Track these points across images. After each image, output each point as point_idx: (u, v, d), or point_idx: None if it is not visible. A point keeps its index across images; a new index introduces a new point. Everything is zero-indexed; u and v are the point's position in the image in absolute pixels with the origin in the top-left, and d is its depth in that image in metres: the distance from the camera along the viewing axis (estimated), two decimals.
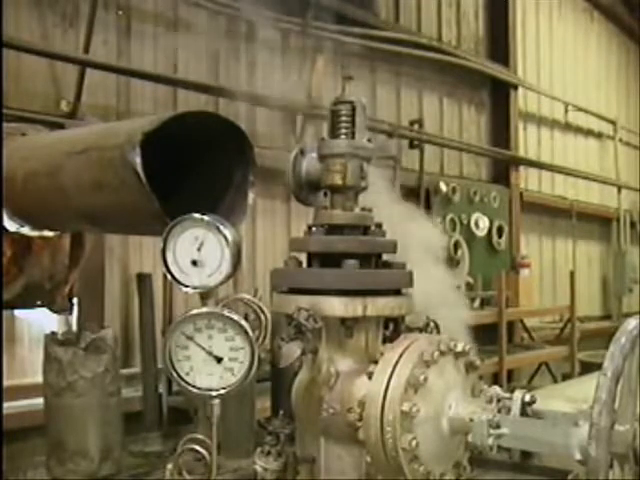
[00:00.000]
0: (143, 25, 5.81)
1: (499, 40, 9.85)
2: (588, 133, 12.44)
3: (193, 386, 1.79)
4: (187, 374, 1.79)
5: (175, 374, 1.78)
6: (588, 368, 7.90)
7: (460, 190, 8.62)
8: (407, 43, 8.02)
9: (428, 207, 8.06)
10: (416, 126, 8.33)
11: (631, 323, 1.62)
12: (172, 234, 1.82)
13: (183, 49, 6.10)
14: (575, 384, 6.49)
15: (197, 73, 6.14)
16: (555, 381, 9.04)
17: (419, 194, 8.02)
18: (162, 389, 5.40)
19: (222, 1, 6.12)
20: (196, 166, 2.49)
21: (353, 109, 1.93)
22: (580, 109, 11.82)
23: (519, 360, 8.70)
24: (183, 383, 1.78)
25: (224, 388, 1.78)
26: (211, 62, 6.33)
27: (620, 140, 13.02)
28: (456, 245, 8.39)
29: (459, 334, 2.19)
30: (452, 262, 8.24)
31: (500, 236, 9.27)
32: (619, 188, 12.80)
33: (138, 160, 2.07)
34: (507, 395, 1.79)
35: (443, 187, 8.32)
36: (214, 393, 1.79)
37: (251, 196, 2.49)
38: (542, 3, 11.31)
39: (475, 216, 8.84)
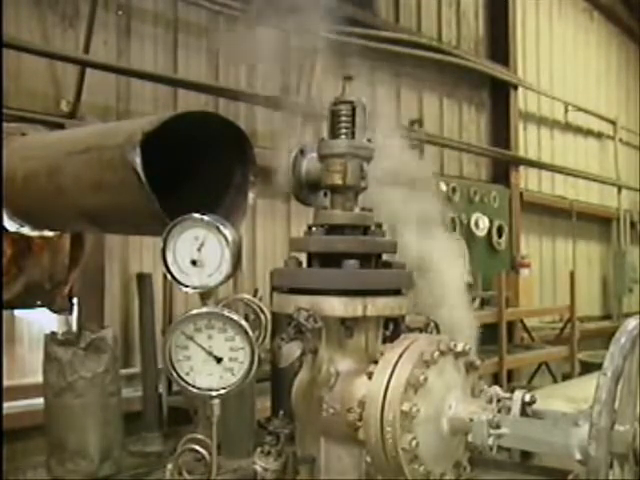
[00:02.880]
0: (143, 25, 5.81)
1: (499, 40, 9.85)
2: (588, 133, 12.43)
3: (193, 386, 1.79)
4: (187, 374, 1.78)
5: (175, 374, 1.78)
6: (588, 368, 7.93)
7: (460, 190, 8.62)
8: (407, 43, 8.02)
9: None
10: (416, 126, 8.34)
11: (631, 323, 1.62)
12: (172, 234, 1.82)
13: (183, 49, 6.10)
14: (575, 384, 6.50)
15: (197, 73, 6.15)
16: (555, 381, 9.03)
17: None
18: (162, 389, 5.39)
19: (221, 1, 6.12)
20: (196, 166, 2.49)
21: (353, 109, 1.93)
22: (580, 109, 11.81)
23: (519, 360, 8.68)
24: (183, 383, 1.78)
25: (224, 388, 1.78)
26: (211, 62, 6.33)
27: (620, 140, 13.01)
28: None
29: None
30: None
31: (500, 236, 9.26)
32: (619, 188, 12.80)
33: (138, 160, 2.07)
34: (507, 395, 1.79)
35: (443, 187, 8.33)
36: (214, 393, 1.79)
37: (251, 196, 2.49)
38: (542, 3, 11.31)
39: (475, 216, 8.84)
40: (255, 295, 5.21)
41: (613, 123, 12.89)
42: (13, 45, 4.72)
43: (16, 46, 4.77)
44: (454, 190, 8.52)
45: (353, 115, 1.92)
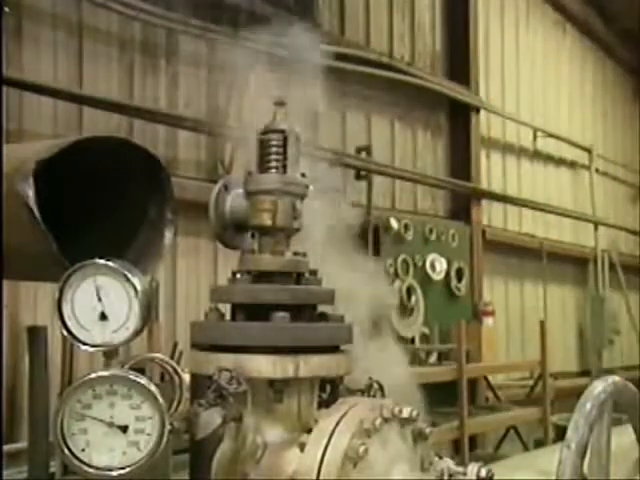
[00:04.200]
0: (39, 27, 5.71)
1: (458, 56, 10.02)
2: (560, 162, 12.72)
3: (89, 465, 1.74)
4: (82, 451, 1.75)
5: (67, 451, 1.74)
6: (563, 433, 7.97)
7: (414, 227, 8.72)
8: (353, 59, 8.13)
9: (377, 247, 8.13)
10: (363, 154, 8.42)
11: (597, 386, 1.67)
12: (70, 282, 1.81)
13: (90, 59, 6.04)
14: (547, 453, 6.56)
15: (107, 89, 6.11)
16: (526, 448, 9.07)
17: (367, 232, 8.09)
18: (56, 467, 5.08)
19: (137, 5, 6.09)
20: (103, 200, 2.48)
21: (285, 139, 1.95)
22: (551, 135, 12.09)
23: (483, 424, 8.76)
24: (76, 462, 1.74)
25: (128, 466, 1.76)
26: (124, 77, 6.32)
27: (596, 170, 13.36)
28: (409, 290, 8.46)
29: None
30: (405, 310, 8.32)
31: (460, 280, 9.38)
32: (596, 225, 13.12)
33: (30, 193, 2.05)
34: (460, 469, 1.82)
35: (394, 224, 8.41)
36: (115, 473, 1.74)
37: (169, 235, 2.49)
38: (508, 15, 11.59)
39: (431, 257, 8.93)
40: (174, 350, 5.17)
41: (588, 151, 13.23)
42: None
43: None
44: (407, 227, 8.60)
45: (285, 146, 1.95)
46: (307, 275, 1.99)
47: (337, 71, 7.96)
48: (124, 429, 1.77)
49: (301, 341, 1.88)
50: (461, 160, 10.02)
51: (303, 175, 1.98)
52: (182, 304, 6.60)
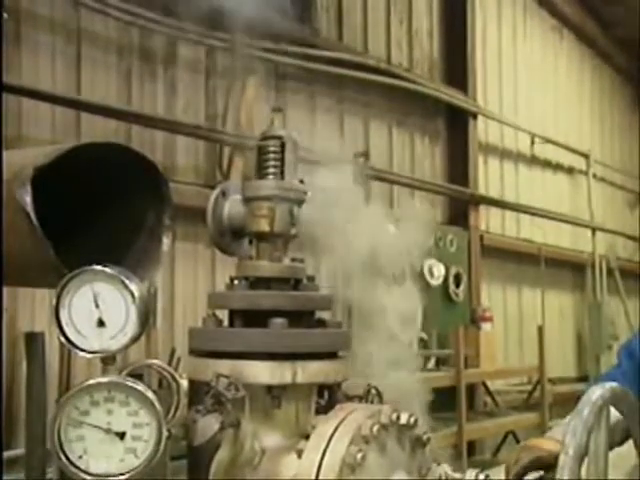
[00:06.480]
0: (37, 33, 5.72)
1: (456, 62, 10.04)
2: (557, 168, 12.73)
3: (86, 472, 1.73)
4: (80, 457, 1.74)
5: (64, 458, 1.74)
6: None
7: None
8: (351, 65, 8.15)
9: None
10: (361, 159, 8.43)
11: (595, 392, 1.64)
12: (67, 289, 1.81)
13: (88, 65, 6.06)
14: None
15: (105, 94, 6.13)
16: None
17: None
18: (53, 474, 5.07)
19: (134, 10, 6.10)
20: (101, 206, 2.49)
21: (282, 145, 1.96)
22: (548, 141, 12.10)
23: (482, 429, 8.77)
24: (73, 469, 1.73)
25: (126, 473, 1.75)
26: (122, 82, 6.33)
27: (594, 176, 13.34)
28: None
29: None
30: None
31: (458, 285, 9.36)
32: (593, 230, 13.11)
33: (28, 199, 2.05)
34: (458, 476, 1.81)
35: (392, 230, 8.38)
36: (112, 479, 1.75)
37: (166, 241, 2.49)
38: (505, 21, 11.61)
39: (429, 263, 8.88)
40: (172, 356, 5.16)
41: (586, 156, 13.22)
42: None
43: None
44: None
45: (282, 152, 1.96)
46: (305, 281, 2.00)
47: (335, 76, 8.01)
48: (121, 436, 1.76)
49: (299, 347, 1.89)
50: (459, 166, 10.04)
51: (301, 181, 1.98)
52: (180, 310, 6.61)
